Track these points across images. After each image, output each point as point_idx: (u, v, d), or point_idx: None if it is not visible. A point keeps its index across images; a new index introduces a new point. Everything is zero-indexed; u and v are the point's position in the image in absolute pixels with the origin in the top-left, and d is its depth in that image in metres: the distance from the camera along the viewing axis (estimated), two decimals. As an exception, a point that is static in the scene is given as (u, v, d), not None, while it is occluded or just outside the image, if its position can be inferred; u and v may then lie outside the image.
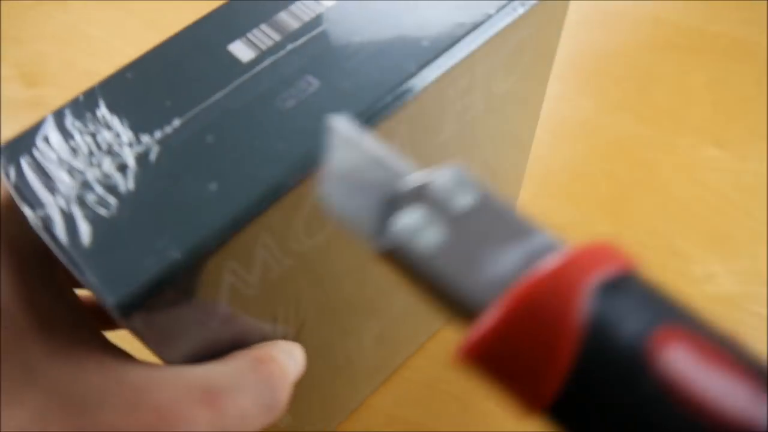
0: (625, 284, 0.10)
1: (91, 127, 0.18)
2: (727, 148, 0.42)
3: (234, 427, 0.16)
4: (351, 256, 0.22)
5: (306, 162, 0.17)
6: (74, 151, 0.17)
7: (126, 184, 0.17)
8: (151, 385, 0.16)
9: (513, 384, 0.11)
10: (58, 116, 0.18)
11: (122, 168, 0.17)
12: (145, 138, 0.18)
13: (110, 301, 0.15)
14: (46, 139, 0.18)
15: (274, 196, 0.17)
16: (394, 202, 0.12)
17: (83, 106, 0.18)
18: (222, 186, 0.17)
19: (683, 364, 0.09)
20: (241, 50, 0.19)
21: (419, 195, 0.12)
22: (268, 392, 0.17)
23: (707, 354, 0.09)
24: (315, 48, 0.19)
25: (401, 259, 0.12)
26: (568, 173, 0.42)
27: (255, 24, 0.20)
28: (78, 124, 0.18)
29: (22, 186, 0.17)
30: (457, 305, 0.11)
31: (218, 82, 0.19)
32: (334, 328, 0.25)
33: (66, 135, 0.18)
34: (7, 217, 0.17)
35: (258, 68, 0.19)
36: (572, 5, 0.50)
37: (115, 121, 0.18)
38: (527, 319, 0.10)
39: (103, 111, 0.18)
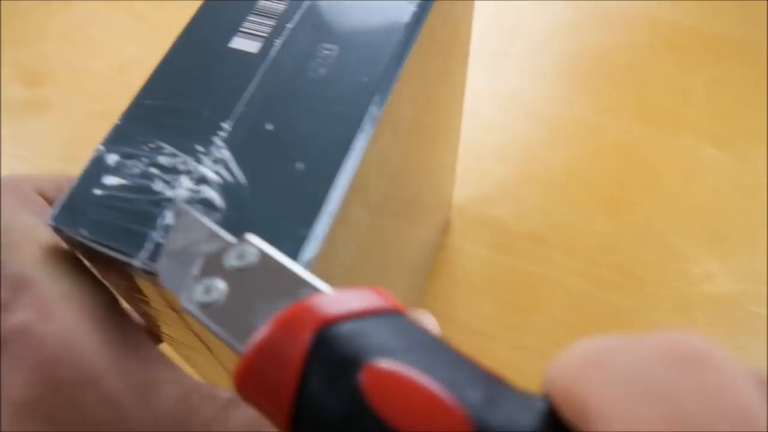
0: (333, 334, 0.12)
1: (144, 159, 0.18)
2: (726, 148, 0.42)
3: None
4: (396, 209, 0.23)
5: (369, 112, 0.18)
6: (143, 184, 0.17)
7: (219, 190, 0.17)
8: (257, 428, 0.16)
9: (266, 411, 0.12)
10: (99, 161, 0.17)
11: (203, 180, 0.17)
12: (208, 147, 0.18)
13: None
14: (103, 185, 0.17)
15: (357, 154, 0.17)
16: (202, 269, 0.15)
17: (118, 143, 0.18)
18: (308, 162, 0.17)
19: (382, 383, 0.11)
20: (245, 44, 0.20)
21: (214, 262, 0.15)
22: None
23: (404, 382, 0.11)
24: (313, 19, 0.20)
25: (194, 317, 0.14)
26: (567, 173, 0.42)
27: (242, 17, 0.20)
28: (128, 161, 0.17)
29: (106, 239, 0.16)
30: (234, 352, 0.13)
31: (242, 78, 0.19)
32: None
33: (121, 174, 0.17)
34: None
35: (272, 54, 0.19)
36: (570, 6, 0.50)
37: (163, 144, 0.18)
38: (267, 353, 0.12)
39: (143, 139, 0.18)
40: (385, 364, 0.11)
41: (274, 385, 0.12)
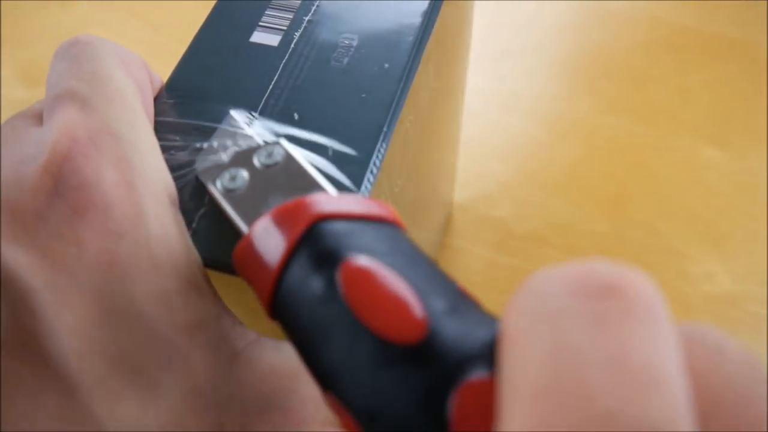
0: (324, 229, 0.13)
1: (171, 152, 0.18)
2: (726, 148, 0.42)
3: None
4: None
5: (397, 98, 0.19)
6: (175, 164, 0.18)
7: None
8: (280, 380, 0.15)
9: (252, 284, 0.14)
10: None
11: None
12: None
13: None
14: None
15: (385, 139, 0.18)
16: (232, 160, 0.17)
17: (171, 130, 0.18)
18: (337, 146, 0.18)
19: (357, 276, 0.12)
20: (265, 38, 0.20)
21: (245, 156, 0.17)
22: None
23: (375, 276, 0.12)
24: (329, 11, 0.21)
25: (216, 199, 0.16)
26: (567, 173, 0.42)
27: (261, 12, 0.21)
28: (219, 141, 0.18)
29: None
30: (239, 233, 0.15)
31: (266, 71, 0.19)
32: None
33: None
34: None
35: (293, 46, 0.20)
36: (570, 6, 0.50)
37: (188, 140, 0.18)
38: (264, 235, 0.14)
39: (165, 134, 0.18)
40: (364, 261, 0.12)
41: (264, 264, 0.13)
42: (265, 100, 0.19)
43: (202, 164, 0.17)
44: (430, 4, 0.21)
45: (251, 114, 0.18)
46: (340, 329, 0.12)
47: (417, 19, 0.20)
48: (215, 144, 0.18)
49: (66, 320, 0.13)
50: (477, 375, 0.10)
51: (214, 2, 0.22)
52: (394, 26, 0.20)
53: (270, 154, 0.17)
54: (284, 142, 0.17)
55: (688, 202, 0.41)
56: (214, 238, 0.16)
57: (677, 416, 0.08)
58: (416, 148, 0.23)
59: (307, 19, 0.20)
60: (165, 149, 0.18)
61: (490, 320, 0.11)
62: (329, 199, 0.14)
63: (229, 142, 0.17)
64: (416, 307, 0.11)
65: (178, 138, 0.18)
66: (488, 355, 0.10)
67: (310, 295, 0.12)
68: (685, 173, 0.42)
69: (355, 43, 0.20)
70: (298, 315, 0.12)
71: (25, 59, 0.48)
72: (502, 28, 0.49)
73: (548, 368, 0.08)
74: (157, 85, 0.19)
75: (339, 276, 0.12)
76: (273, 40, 0.20)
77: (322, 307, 0.12)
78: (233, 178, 0.16)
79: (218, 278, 0.16)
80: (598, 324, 0.09)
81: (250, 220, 0.15)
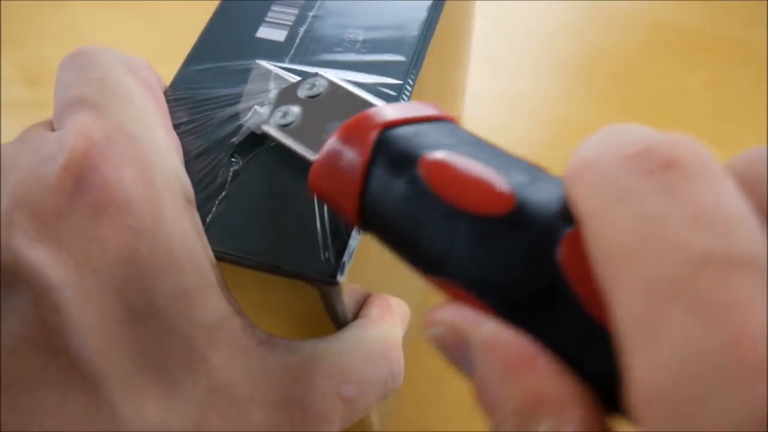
0: (394, 134, 0.14)
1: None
2: (727, 149, 0.42)
3: (355, 417, 0.16)
4: None
5: (402, 88, 0.19)
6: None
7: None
8: (296, 376, 0.15)
9: (336, 203, 0.14)
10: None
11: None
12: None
13: None
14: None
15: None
16: (275, 103, 0.17)
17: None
18: None
19: (437, 167, 0.13)
20: (271, 33, 0.21)
21: (289, 93, 0.17)
22: (390, 386, 0.17)
23: (457, 165, 0.13)
24: (334, 7, 0.21)
25: (274, 137, 0.17)
26: (568, 173, 0.42)
27: (266, 8, 0.21)
28: None
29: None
30: (307, 162, 0.16)
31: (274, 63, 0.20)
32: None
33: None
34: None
35: (298, 41, 0.20)
36: (571, 6, 0.50)
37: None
38: (336, 154, 0.14)
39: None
40: (440, 154, 0.13)
41: (343, 181, 0.14)
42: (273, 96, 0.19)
43: (248, 113, 0.18)
44: (433, 1, 0.21)
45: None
46: (435, 218, 0.12)
47: (422, 14, 0.21)
48: (253, 90, 0.18)
49: (89, 317, 0.13)
50: (572, 227, 0.11)
51: (215, 3, 0.22)
52: (399, 21, 0.20)
53: (313, 86, 0.17)
54: (322, 72, 0.18)
55: (688, 202, 0.40)
56: (227, 231, 0.16)
57: (757, 246, 0.09)
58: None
59: (311, 14, 0.21)
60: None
61: (561, 180, 0.12)
62: (389, 109, 0.14)
63: (266, 86, 0.18)
64: (500, 181, 0.12)
65: (191, 123, 0.18)
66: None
67: (397, 196, 0.13)
68: (685, 173, 0.42)
69: (360, 38, 0.20)
70: (390, 218, 0.13)
71: (25, 59, 0.48)
72: (503, 29, 0.49)
73: (639, 233, 0.10)
74: (163, 86, 0.19)
75: (421, 172, 0.13)
76: (279, 35, 0.20)
77: (412, 203, 0.13)
78: (285, 115, 0.17)
79: (229, 276, 0.16)
80: (668, 193, 0.10)
81: (315, 147, 0.16)
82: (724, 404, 0.08)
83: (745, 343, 0.08)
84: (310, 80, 0.17)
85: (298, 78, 0.18)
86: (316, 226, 0.16)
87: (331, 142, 0.14)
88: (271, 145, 0.18)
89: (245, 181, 0.17)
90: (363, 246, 0.17)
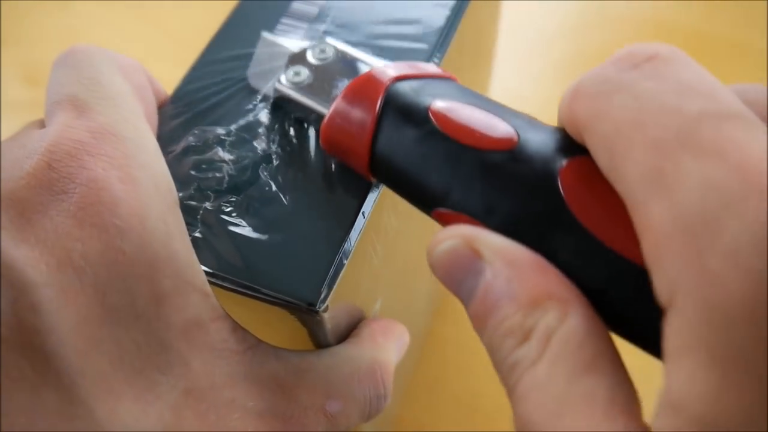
0: (401, 87, 0.15)
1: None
2: (726, 149, 0.42)
3: (338, 430, 0.16)
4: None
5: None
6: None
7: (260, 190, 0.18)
8: (281, 386, 0.15)
9: (348, 154, 0.16)
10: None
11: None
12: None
13: None
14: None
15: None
16: (286, 64, 0.18)
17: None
18: (339, 165, 0.17)
19: (446, 112, 0.14)
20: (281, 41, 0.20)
21: (299, 57, 0.18)
22: (375, 407, 0.17)
23: (462, 109, 0.14)
24: (345, 22, 0.21)
25: (286, 97, 0.18)
26: (568, 174, 0.42)
27: (276, 20, 0.21)
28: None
29: None
30: (319, 116, 0.17)
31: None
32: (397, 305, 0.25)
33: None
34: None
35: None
36: (572, 7, 0.50)
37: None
38: (347, 107, 0.15)
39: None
40: (449, 102, 0.14)
41: (355, 131, 0.15)
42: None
43: (255, 80, 0.19)
44: (448, 18, 0.20)
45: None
46: (444, 155, 0.14)
47: (433, 38, 0.20)
48: (262, 59, 0.19)
49: (67, 317, 0.13)
50: (573, 156, 0.13)
51: (215, 2, 0.22)
52: (411, 40, 0.20)
53: (323, 50, 0.18)
54: (329, 39, 0.19)
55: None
56: (208, 250, 0.16)
57: (742, 106, 0.11)
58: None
59: (321, 28, 0.20)
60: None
61: (556, 127, 0.14)
62: (395, 66, 0.16)
63: (275, 49, 0.19)
64: (504, 123, 0.14)
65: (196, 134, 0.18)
66: (572, 145, 0.13)
67: (407, 140, 0.14)
68: (685, 174, 0.42)
69: (369, 54, 0.20)
70: (400, 161, 0.15)
71: (25, 59, 0.48)
72: (503, 29, 0.49)
73: (637, 110, 0.11)
74: (157, 87, 0.19)
75: (431, 117, 0.14)
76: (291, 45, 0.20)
77: (422, 145, 0.14)
78: (297, 73, 0.18)
79: (218, 292, 0.16)
80: (656, 76, 0.11)
81: (327, 103, 0.17)
82: (735, 221, 0.09)
83: (749, 168, 0.10)
84: (320, 46, 0.18)
85: (305, 44, 0.19)
86: (301, 251, 0.16)
87: (343, 96, 0.16)
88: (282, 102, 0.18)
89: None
90: (354, 268, 0.17)
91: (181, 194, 0.17)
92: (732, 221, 0.09)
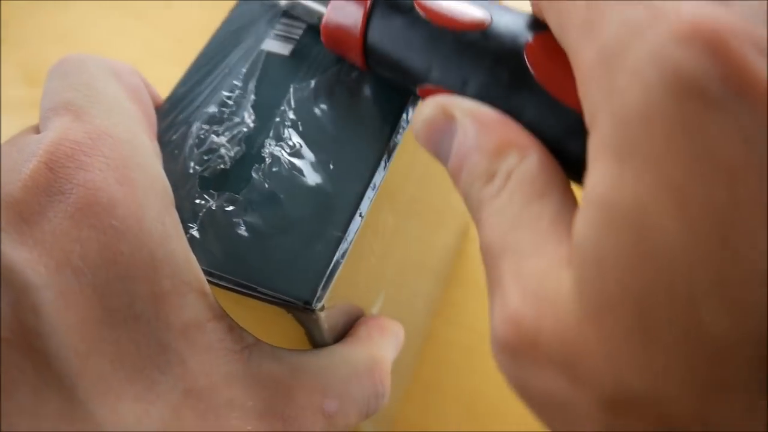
0: None
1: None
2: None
3: (336, 430, 0.16)
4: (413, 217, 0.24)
5: (396, 118, 0.18)
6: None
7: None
8: (279, 386, 0.15)
9: (345, 48, 0.18)
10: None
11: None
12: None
13: None
14: None
15: (388, 156, 0.18)
16: None
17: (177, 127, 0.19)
18: (339, 168, 0.17)
19: (428, 2, 0.16)
20: (277, 46, 0.20)
21: None
22: (373, 406, 0.17)
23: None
24: None
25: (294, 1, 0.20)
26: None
27: (275, 20, 0.21)
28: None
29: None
30: (317, 19, 0.19)
31: (281, 80, 0.19)
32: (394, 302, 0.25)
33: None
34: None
35: (304, 57, 0.20)
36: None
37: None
38: (341, 4, 0.18)
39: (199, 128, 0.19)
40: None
41: (349, 26, 0.17)
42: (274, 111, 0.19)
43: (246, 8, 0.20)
44: None
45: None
46: (426, 39, 0.16)
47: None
48: None
49: (67, 319, 0.13)
50: (538, 33, 0.15)
51: (215, 3, 0.22)
52: None
53: None
54: None
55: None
56: (204, 249, 0.16)
57: None
58: (430, 161, 0.23)
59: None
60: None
61: (527, 13, 0.16)
62: None
63: None
64: (479, 9, 0.16)
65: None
66: (538, 24, 0.15)
67: (395, 29, 0.17)
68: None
69: None
70: (390, 47, 0.17)
71: (25, 59, 0.48)
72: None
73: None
74: (152, 90, 0.19)
75: (415, 6, 0.17)
76: (285, 49, 0.20)
77: (407, 32, 0.17)
78: None
79: (216, 290, 0.16)
80: None
81: (324, 3, 0.19)
82: (640, 43, 0.11)
83: (662, 6, 0.11)
84: None
85: None
86: (298, 251, 0.16)
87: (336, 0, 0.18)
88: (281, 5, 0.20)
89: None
90: (351, 267, 0.17)
91: (179, 192, 0.17)
92: (638, 44, 0.11)
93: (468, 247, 0.40)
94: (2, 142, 0.16)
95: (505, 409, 0.33)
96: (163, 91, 0.20)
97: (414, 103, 0.19)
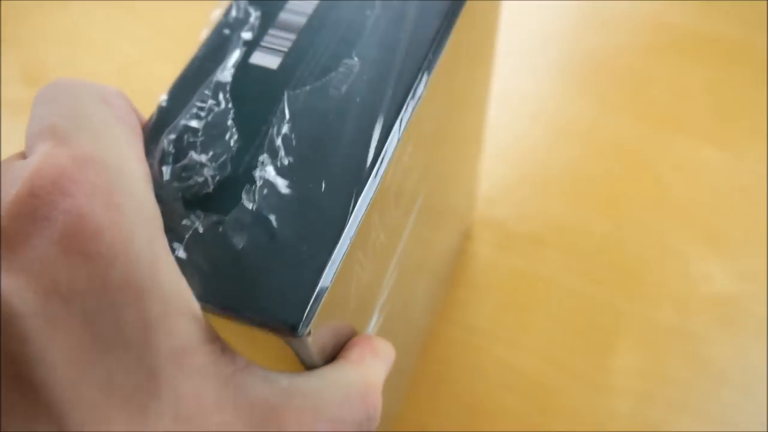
0: None
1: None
2: (726, 149, 0.43)
3: None
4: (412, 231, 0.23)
5: (393, 129, 0.18)
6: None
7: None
8: (270, 410, 0.15)
9: None
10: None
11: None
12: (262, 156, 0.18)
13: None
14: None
15: (375, 176, 0.17)
16: None
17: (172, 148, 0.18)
18: (329, 183, 0.17)
19: None
20: (264, 59, 0.19)
21: None
22: (365, 429, 0.17)
23: None
24: (334, 33, 0.20)
25: None
26: (568, 173, 0.42)
27: (264, 31, 0.20)
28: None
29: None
30: None
31: (267, 95, 0.19)
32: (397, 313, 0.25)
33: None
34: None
35: (292, 71, 0.19)
36: (571, 7, 0.50)
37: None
38: None
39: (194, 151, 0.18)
40: None
41: None
42: (262, 127, 0.18)
43: None
44: (440, 26, 0.20)
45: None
46: None
47: (423, 49, 0.19)
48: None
49: (56, 347, 0.13)
50: None
51: (215, 3, 0.22)
52: (401, 52, 0.20)
53: None
54: None
55: (687, 201, 0.41)
56: (190, 272, 0.16)
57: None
58: (429, 166, 0.23)
59: (309, 40, 0.20)
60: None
61: None
62: None
63: None
64: None
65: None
66: None
67: None
68: (685, 173, 0.42)
69: (356, 69, 0.19)
70: None
71: (25, 59, 0.48)
72: (503, 29, 0.49)
73: None
74: (139, 115, 0.19)
75: None
76: (272, 62, 0.19)
77: None
78: None
79: (205, 314, 0.16)
80: None
81: None
82: None
83: None
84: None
85: None
86: (284, 275, 0.16)
87: None
88: None
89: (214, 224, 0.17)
90: (339, 289, 0.16)
91: (165, 212, 0.17)
92: None
93: (468, 247, 0.40)
94: (3, 141, 0.16)
95: (505, 409, 0.33)
96: (163, 91, 0.20)
97: (407, 112, 0.19)
